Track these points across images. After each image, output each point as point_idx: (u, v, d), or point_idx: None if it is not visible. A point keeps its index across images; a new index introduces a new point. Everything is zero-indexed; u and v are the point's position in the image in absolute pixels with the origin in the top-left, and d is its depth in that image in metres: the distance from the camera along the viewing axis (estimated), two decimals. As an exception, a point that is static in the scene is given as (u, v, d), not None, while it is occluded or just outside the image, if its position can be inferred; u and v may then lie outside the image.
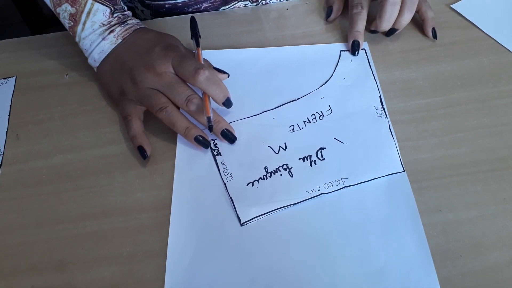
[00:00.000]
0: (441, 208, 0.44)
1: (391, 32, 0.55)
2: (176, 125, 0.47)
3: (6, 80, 0.56)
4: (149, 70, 0.48)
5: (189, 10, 0.62)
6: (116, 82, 0.50)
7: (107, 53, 0.51)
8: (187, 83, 0.48)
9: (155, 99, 0.47)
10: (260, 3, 0.61)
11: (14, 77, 0.56)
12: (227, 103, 0.48)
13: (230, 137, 0.48)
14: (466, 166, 0.46)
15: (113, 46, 0.51)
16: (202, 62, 0.50)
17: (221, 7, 0.61)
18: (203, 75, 0.46)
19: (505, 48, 0.55)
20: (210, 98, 0.47)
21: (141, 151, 0.47)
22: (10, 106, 0.54)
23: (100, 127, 0.51)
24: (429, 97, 0.51)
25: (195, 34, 0.52)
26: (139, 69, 0.48)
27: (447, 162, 0.46)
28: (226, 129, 0.48)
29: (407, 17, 0.53)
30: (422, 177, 0.45)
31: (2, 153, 0.50)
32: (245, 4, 0.61)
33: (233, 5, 0.61)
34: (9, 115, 0.53)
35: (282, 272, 0.41)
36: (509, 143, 0.47)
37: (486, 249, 0.41)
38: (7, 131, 0.52)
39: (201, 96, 0.48)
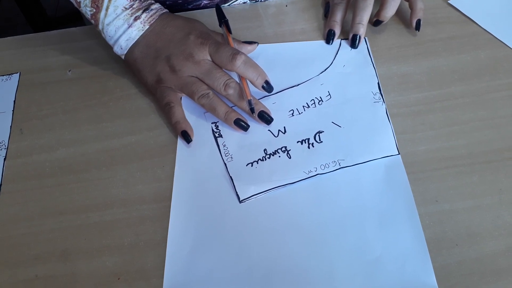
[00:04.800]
0: (437, 198, 0.44)
1: (377, 23, 0.56)
2: (217, 110, 0.49)
3: (10, 76, 0.57)
4: (187, 59, 0.49)
5: (189, 7, 0.62)
6: (152, 70, 0.51)
7: (135, 39, 0.51)
8: (224, 70, 0.50)
9: (197, 87, 0.49)
10: (260, 1, 0.62)
11: (18, 73, 0.57)
12: (267, 87, 0.50)
13: (267, 119, 0.50)
14: (463, 158, 0.47)
15: (141, 32, 0.51)
16: (234, 46, 0.52)
17: (221, 4, 0.62)
18: (240, 60, 0.48)
19: (502, 42, 0.55)
20: (248, 82, 0.49)
21: (185, 135, 0.49)
22: (14, 101, 0.55)
23: (102, 122, 0.52)
24: (426, 90, 0.52)
25: (225, 21, 0.54)
26: (177, 57, 0.50)
27: (443, 154, 0.47)
28: (263, 110, 0.50)
29: (390, 11, 0.54)
30: (419, 168, 0.46)
31: (6, 147, 0.51)
32: (244, 3, 0.62)
33: (232, 3, 0.62)
34: (13, 110, 0.54)
35: (279, 260, 0.42)
36: (505, 136, 0.48)
37: (482, 239, 0.42)
38: (11, 126, 0.53)
39: (238, 81, 0.50)
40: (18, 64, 0.58)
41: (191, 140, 0.49)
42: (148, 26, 0.51)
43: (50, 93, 0.55)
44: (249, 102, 0.48)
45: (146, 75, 0.52)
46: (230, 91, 0.49)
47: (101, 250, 0.44)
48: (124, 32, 0.51)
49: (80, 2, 0.51)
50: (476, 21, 0.57)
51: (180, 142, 0.50)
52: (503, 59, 0.54)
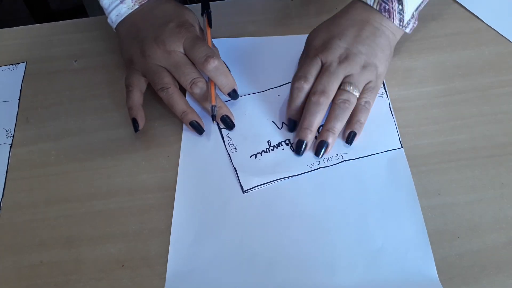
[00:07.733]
0: (440, 191, 0.45)
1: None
2: (174, 107, 0.48)
3: (16, 65, 0.57)
4: (158, 46, 0.48)
5: None
6: (128, 49, 0.51)
7: (123, 16, 0.51)
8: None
9: (159, 77, 0.48)
10: None
11: (24, 62, 0.57)
12: (233, 95, 0.49)
13: (229, 124, 0.49)
14: (465, 152, 0.47)
15: (130, 11, 0.51)
16: (211, 43, 0.51)
17: None
18: (213, 64, 0.47)
19: (506, 39, 0.56)
20: (216, 86, 0.49)
21: (134, 123, 0.48)
22: (20, 90, 0.55)
23: (107, 112, 0.53)
24: (431, 85, 0.52)
25: (208, 13, 0.52)
26: (150, 43, 0.49)
27: (446, 148, 0.47)
28: (226, 115, 0.49)
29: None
30: (422, 161, 0.46)
31: (12, 135, 0.51)
32: None
33: None
34: (19, 99, 0.54)
35: (281, 249, 0.42)
36: (508, 131, 0.48)
37: (483, 231, 0.42)
38: (17, 114, 0.53)
39: (207, 80, 0.49)
40: (24, 53, 0.58)
41: (139, 130, 0.48)
42: (138, 6, 0.51)
43: (56, 83, 0.55)
44: (213, 108, 0.47)
45: (123, 53, 0.52)
46: (197, 90, 0.48)
47: (106, 237, 0.44)
48: (115, 7, 0.51)
49: None
50: (481, 18, 0.58)
51: (185, 133, 0.50)
52: (506, 55, 0.54)
